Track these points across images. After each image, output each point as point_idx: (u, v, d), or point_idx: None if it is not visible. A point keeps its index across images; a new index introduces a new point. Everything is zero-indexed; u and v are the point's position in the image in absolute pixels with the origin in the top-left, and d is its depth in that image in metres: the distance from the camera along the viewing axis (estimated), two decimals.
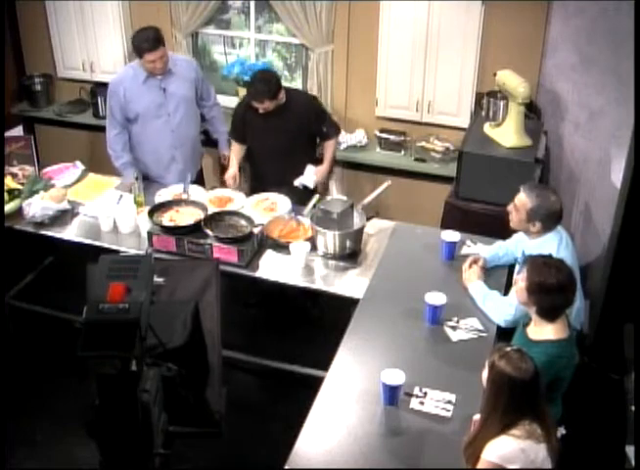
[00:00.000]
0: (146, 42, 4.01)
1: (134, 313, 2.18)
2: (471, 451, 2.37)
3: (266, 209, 3.99)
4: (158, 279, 3.04)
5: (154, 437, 2.36)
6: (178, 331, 2.66)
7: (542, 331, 2.72)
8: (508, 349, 2.36)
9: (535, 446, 2.28)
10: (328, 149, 4.37)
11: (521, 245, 3.32)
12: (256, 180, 4.42)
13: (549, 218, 3.13)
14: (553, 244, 3.14)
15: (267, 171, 4.30)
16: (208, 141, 4.73)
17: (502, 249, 3.47)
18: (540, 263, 2.72)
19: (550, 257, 2.79)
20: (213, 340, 2.98)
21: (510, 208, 3.24)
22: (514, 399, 2.28)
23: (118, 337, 2.15)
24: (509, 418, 2.29)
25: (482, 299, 3.21)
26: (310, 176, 4.24)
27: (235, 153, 4.40)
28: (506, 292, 3.26)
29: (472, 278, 3.32)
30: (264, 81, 4.02)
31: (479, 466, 2.32)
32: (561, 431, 2.76)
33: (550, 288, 2.63)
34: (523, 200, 3.16)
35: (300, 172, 4.25)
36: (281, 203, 4.03)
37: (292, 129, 4.16)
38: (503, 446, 2.27)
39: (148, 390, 2.29)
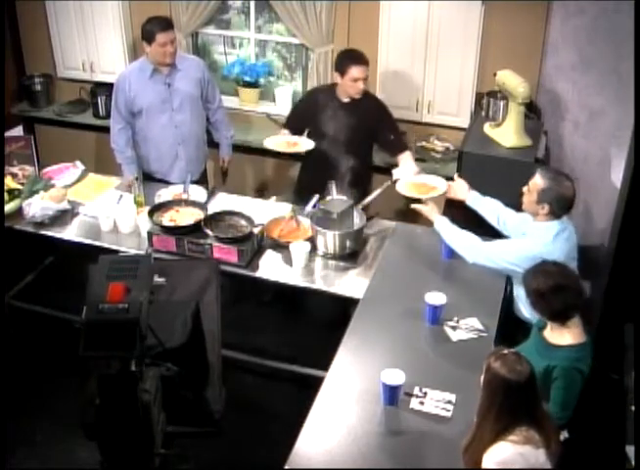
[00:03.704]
0: (158, 24, 4.08)
1: (134, 313, 2.18)
2: (469, 455, 2.37)
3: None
4: (158, 279, 3.03)
5: (154, 436, 2.36)
6: (178, 331, 2.66)
7: (561, 337, 2.74)
8: (505, 351, 2.37)
9: (534, 451, 2.27)
10: (408, 158, 4.18)
11: (522, 227, 3.31)
12: (307, 178, 4.30)
13: (558, 203, 3.13)
14: (551, 231, 3.14)
15: (322, 167, 4.00)
16: (210, 143, 4.72)
17: (501, 210, 3.52)
18: (531, 272, 2.78)
19: (543, 263, 2.82)
20: (213, 339, 2.98)
21: (524, 189, 3.24)
22: (508, 401, 2.27)
23: (119, 337, 2.15)
24: (504, 421, 2.28)
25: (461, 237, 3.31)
26: (409, 168, 4.07)
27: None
28: None
29: (433, 212, 3.41)
30: (357, 50, 4.11)
31: None
32: (564, 435, 2.77)
33: (543, 293, 2.68)
34: (536, 181, 3.16)
35: (356, 174, 3.96)
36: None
37: (359, 126, 4.05)
38: (500, 452, 2.27)
39: (148, 390, 2.28)
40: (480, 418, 2.34)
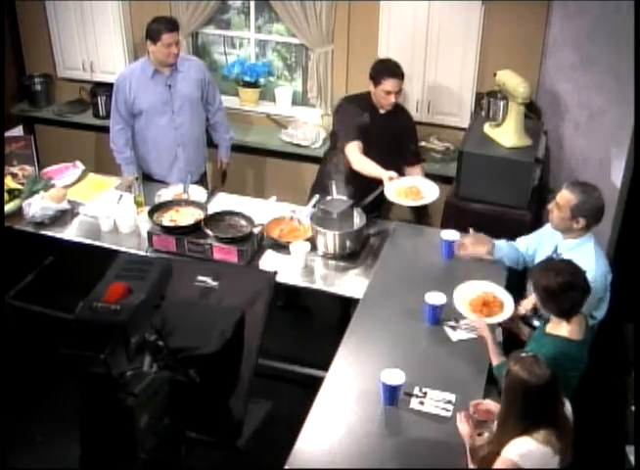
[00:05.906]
0: (165, 24, 4.09)
1: (123, 316, 2.15)
2: (481, 453, 2.37)
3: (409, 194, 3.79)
4: (212, 282, 2.99)
5: (136, 441, 2.27)
6: (215, 337, 2.58)
7: (558, 327, 2.75)
8: (523, 354, 2.37)
9: (552, 457, 2.27)
10: (418, 172, 4.09)
11: (544, 249, 3.28)
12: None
13: (593, 215, 3.10)
14: (590, 244, 3.12)
15: (353, 174, 3.90)
16: (209, 144, 4.70)
17: (519, 244, 3.43)
18: (540, 268, 2.76)
19: (551, 259, 2.81)
20: (250, 352, 2.89)
21: (550, 206, 3.17)
22: (528, 403, 2.27)
23: (97, 338, 2.10)
24: (524, 424, 2.27)
25: None
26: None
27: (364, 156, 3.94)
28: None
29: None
30: (395, 61, 4.01)
31: (496, 464, 2.30)
32: None
33: (553, 291, 2.66)
34: (566, 196, 3.09)
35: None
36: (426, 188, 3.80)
37: (393, 137, 4.03)
38: (524, 445, 2.26)
39: (135, 394, 2.20)
40: (501, 421, 2.34)
